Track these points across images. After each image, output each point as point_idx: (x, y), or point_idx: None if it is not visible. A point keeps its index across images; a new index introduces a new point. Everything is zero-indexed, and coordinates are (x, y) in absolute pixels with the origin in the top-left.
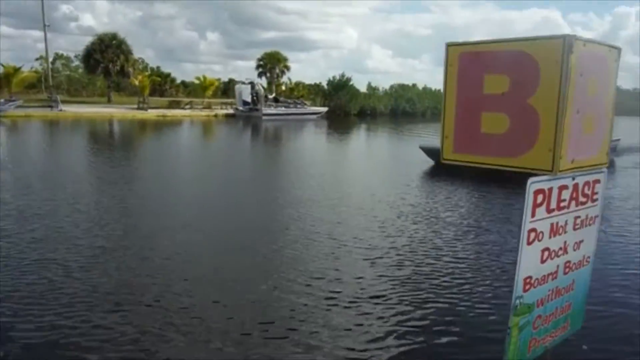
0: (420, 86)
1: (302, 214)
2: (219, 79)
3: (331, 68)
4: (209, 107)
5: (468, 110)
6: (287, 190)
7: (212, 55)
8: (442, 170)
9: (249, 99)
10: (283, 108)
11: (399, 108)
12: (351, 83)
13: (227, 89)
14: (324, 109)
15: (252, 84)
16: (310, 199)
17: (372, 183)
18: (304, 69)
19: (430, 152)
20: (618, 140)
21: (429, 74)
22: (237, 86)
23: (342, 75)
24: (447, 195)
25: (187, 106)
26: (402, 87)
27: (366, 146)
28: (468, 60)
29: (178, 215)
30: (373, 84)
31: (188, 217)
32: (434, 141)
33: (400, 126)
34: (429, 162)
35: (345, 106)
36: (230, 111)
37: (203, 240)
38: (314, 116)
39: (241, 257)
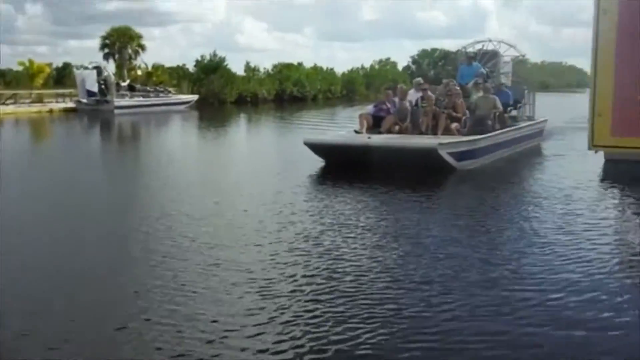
0: (306, 65)
1: (160, 235)
2: (49, 64)
3: (194, 46)
4: (40, 100)
5: (635, 77)
6: (146, 204)
7: (34, 33)
8: (338, 173)
9: (95, 88)
10: (141, 98)
11: (286, 93)
12: (225, 64)
13: (61, 76)
14: (193, 97)
15: (98, 69)
16: (172, 215)
17: (250, 191)
18: (160, 49)
19: (318, 148)
20: (545, 121)
21: (313, 51)
22: (78, 72)
23: (213, 55)
24: (342, 209)
25: (10, 101)
26: (287, 67)
27: (246, 143)
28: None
29: None
30: (252, 64)
31: None
32: (328, 132)
33: (287, 115)
34: (320, 161)
35: (219, 93)
36: (71, 104)
37: None
38: (182, 106)
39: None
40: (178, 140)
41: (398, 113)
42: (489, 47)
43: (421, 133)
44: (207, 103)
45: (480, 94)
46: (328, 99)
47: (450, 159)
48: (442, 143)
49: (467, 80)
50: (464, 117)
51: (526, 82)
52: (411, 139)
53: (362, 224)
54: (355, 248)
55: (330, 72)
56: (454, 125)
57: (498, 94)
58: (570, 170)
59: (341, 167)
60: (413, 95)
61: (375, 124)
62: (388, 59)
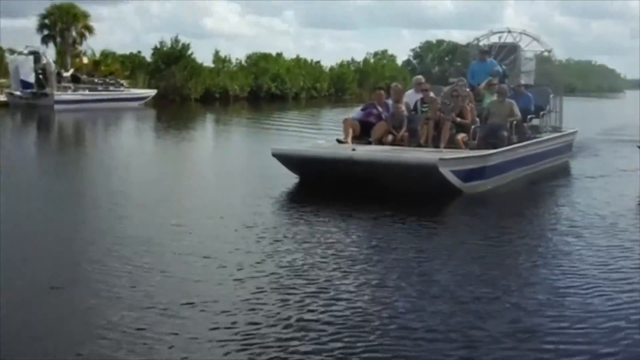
0: (287, 56)
1: (107, 268)
2: None
3: (152, 30)
4: None
5: None
6: (89, 229)
7: None
8: (314, 192)
9: (31, 79)
10: (87, 91)
11: (262, 89)
12: (189, 53)
13: None
14: (150, 92)
15: (35, 55)
16: (122, 242)
17: (208, 212)
18: (111, 32)
19: (290, 160)
20: (575, 132)
21: (295, 39)
22: (10, 58)
23: (175, 41)
24: (323, 237)
25: None
26: (264, 58)
27: (211, 151)
28: None
29: None
30: (222, 54)
31: None
32: (304, 141)
33: (263, 116)
34: (294, 177)
35: (182, 87)
36: (2, 97)
37: None
38: (136, 103)
39: None
40: (130, 145)
41: (392, 119)
42: (508, 39)
43: (419, 145)
44: (167, 99)
45: (495, 97)
46: (313, 98)
47: (454, 179)
48: (445, 159)
49: (480, 80)
50: (473, 126)
51: (552, 83)
52: (406, 152)
53: (355, 256)
54: (352, 288)
55: (316, 65)
56: (461, 136)
57: (516, 98)
58: (610, 193)
59: (319, 185)
60: (412, 96)
61: (364, 132)
62: (385, 51)
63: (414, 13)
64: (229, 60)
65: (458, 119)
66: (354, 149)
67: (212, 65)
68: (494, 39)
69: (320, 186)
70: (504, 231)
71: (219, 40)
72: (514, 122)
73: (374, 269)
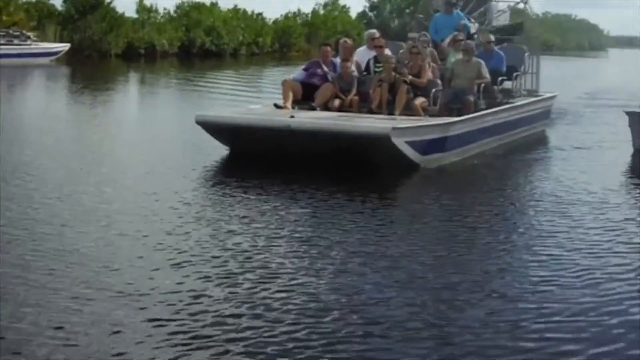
0: (223, 6)
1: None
2: None
3: None
4: None
5: None
6: None
7: None
8: (246, 166)
9: None
10: None
11: (194, 44)
12: (109, 1)
13: None
14: (63, 47)
15: None
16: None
17: (131, 191)
18: None
19: (216, 129)
20: (553, 97)
21: None
22: None
23: None
24: (258, 216)
25: None
26: (197, 8)
27: (133, 116)
28: None
29: None
30: (147, 2)
31: None
32: (235, 106)
33: (195, 75)
34: (223, 148)
35: (100, 41)
36: None
37: None
38: (46, 59)
39: None
40: (37, 110)
41: (339, 80)
42: None
43: (371, 111)
44: (82, 55)
45: (460, 56)
46: (254, 54)
47: (410, 151)
48: (399, 128)
49: (444, 36)
50: (434, 90)
51: (527, 40)
52: (354, 120)
53: (307, 239)
54: (309, 275)
55: (258, 17)
56: (420, 101)
57: (486, 56)
58: (594, 166)
59: (252, 158)
60: (363, 54)
61: (307, 95)
62: (336, 1)
63: None
64: (156, 10)
65: (416, 81)
66: (292, 116)
67: (135, 15)
68: None
69: (254, 159)
70: (473, 209)
71: None
72: (482, 85)
73: (330, 253)
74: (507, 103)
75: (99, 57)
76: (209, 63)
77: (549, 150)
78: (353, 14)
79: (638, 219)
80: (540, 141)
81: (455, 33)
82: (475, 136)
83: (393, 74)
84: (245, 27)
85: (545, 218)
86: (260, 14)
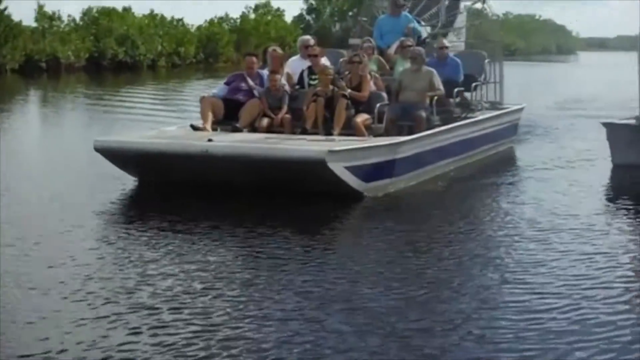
0: (138, 11)
1: None
2: None
3: None
4: None
5: None
6: None
7: None
8: (158, 199)
9: None
10: None
11: (105, 56)
12: (3, 8)
13: None
14: None
15: None
16: None
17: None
18: None
19: (120, 156)
20: (521, 109)
21: None
22: None
23: None
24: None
25: None
26: (107, 14)
27: (31, 141)
28: None
29: None
30: (48, 8)
31: None
32: (153, 127)
33: (107, 92)
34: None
35: None
36: None
37: None
38: None
39: None
40: None
41: (267, 96)
42: None
43: (305, 131)
44: None
45: (408, 64)
46: (175, 66)
47: (350, 178)
48: (336, 151)
49: (391, 41)
50: (378, 104)
51: (488, 45)
52: (284, 142)
53: (241, 281)
54: (250, 322)
55: (178, 24)
56: (362, 118)
57: (439, 65)
58: (573, 186)
59: (165, 189)
60: (296, 64)
61: (230, 114)
62: (269, 3)
63: None
64: (58, 18)
65: (357, 95)
66: (210, 139)
67: (34, 24)
68: None
69: (169, 191)
70: (428, 244)
71: None
72: (435, 98)
73: (273, 296)
74: (466, 118)
75: None
76: (123, 77)
77: (518, 171)
78: (289, 17)
79: (629, 246)
80: (507, 160)
81: (403, 38)
82: (429, 158)
83: (330, 87)
84: (164, 35)
85: (519, 251)
86: (181, 19)
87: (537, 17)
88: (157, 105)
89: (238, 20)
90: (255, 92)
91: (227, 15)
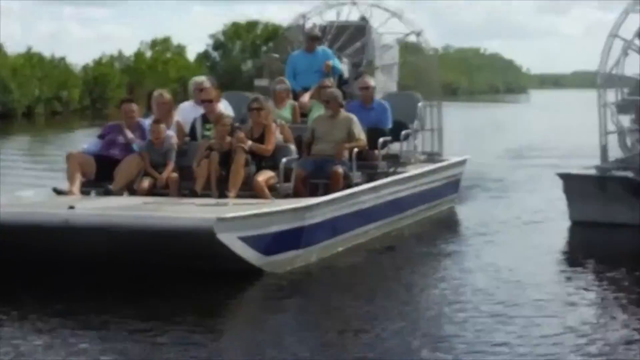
0: (11, 50)
1: None
2: None
3: None
4: None
5: None
6: None
7: None
8: (11, 276)
9: None
10: None
11: (1, 101)
12: None
13: None
14: None
15: None
16: None
17: None
18: None
19: None
20: (463, 161)
21: (22, 21)
22: None
23: None
24: None
25: None
26: None
27: None
28: None
29: None
30: None
31: None
32: (10, 190)
33: None
34: None
35: None
36: None
37: None
38: None
39: None
40: None
41: (150, 150)
42: (352, 16)
43: (194, 194)
44: None
45: (322, 111)
46: (56, 113)
47: (246, 251)
48: (226, 218)
49: (307, 83)
50: (284, 159)
51: (423, 85)
52: (165, 208)
53: None
54: None
55: (60, 63)
56: (265, 176)
57: (362, 109)
58: (526, 252)
59: (19, 267)
60: (188, 111)
61: (105, 174)
62: (168, 39)
63: None
64: None
65: (259, 148)
66: (72, 207)
67: None
68: (330, 15)
69: (23, 269)
70: (357, 328)
71: None
72: (355, 150)
73: None
74: (394, 173)
75: None
76: None
77: (461, 235)
78: (192, 55)
79: (601, 320)
80: (448, 223)
81: (323, 79)
82: (348, 223)
83: (228, 139)
84: (43, 77)
85: (473, 330)
86: (63, 58)
87: (481, 51)
88: (26, 162)
89: (131, 58)
90: (135, 146)
91: (119, 53)
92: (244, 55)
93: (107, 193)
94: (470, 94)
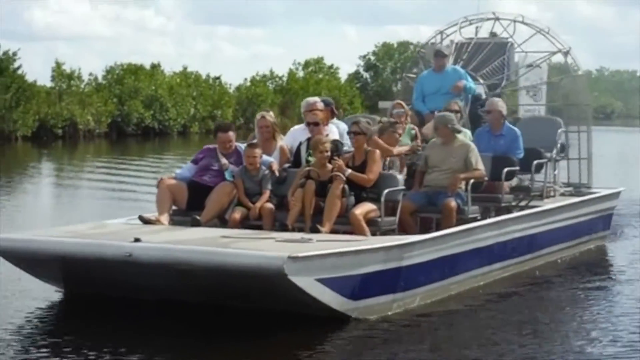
0: (168, 68)
1: None
2: None
3: None
4: None
5: None
6: None
7: None
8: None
9: None
10: None
11: (130, 120)
12: (17, 66)
13: None
14: None
15: None
16: None
17: None
18: None
19: (22, 259)
20: (616, 194)
21: (178, 42)
22: None
23: None
24: None
25: None
26: (133, 71)
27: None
28: None
29: None
30: (66, 66)
31: None
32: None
33: (129, 164)
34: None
35: (2, 119)
36: None
37: None
38: None
39: None
40: None
41: (244, 177)
42: (491, 31)
43: (285, 227)
44: None
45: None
46: (210, 132)
47: (324, 293)
48: (298, 257)
49: (436, 105)
50: (385, 191)
51: (574, 109)
52: (239, 243)
53: None
54: None
55: (215, 82)
56: (364, 209)
57: (490, 137)
58: None
59: (90, 302)
60: (297, 135)
61: (197, 202)
62: (321, 59)
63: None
64: (78, 77)
65: (358, 177)
66: (137, 239)
67: (50, 84)
68: (468, 32)
69: (91, 305)
70: None
71: (58, 44)
72: (471, 182)
73: None
74: (526, 207)
75: (0, 142)
76: (150, 145)
77: (603, 278)
78: (343, 75)
79: None
80: (591, 264)
81: (449, 102)
82: (461, 263)
83: (328, 166)
84: (198, 96)
85: None
86: (218, 78)
87: (639, 73)
88: None
89: (284, 78)
90: (227, 173)
91: (272, 72)
92: (394, 76)
93: (195, 224)
94: (625, 119)
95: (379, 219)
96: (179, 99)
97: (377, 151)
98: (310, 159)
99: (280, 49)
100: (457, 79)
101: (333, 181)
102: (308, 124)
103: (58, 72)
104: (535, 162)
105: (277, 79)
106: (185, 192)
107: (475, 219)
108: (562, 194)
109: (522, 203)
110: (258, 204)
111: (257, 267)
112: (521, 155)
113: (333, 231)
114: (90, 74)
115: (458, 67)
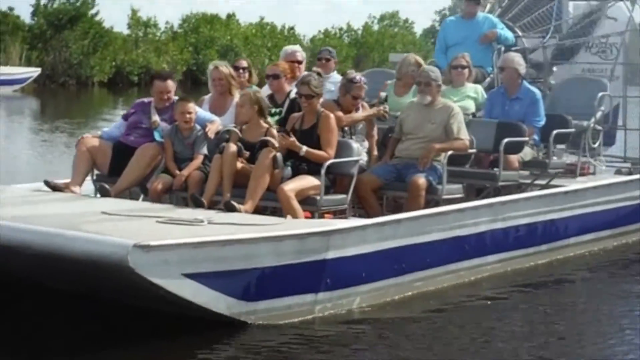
0: (243, 19)
1: None
2: None
3: None
4: None
5: None
6: None
7: None
8: None
9: None
10: None
11: (204, 69)
12: (94, 12)
13: None
14: (31, 72)
15: None
16: None
17: None
18: None
19: None
20: None
21: None
22: None
23: None
24: None
25: None
26: (208, 21)
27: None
28: None
29: None
30: (143, 14)
31: None
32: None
33: None
34: None
35: (79, 65)
36: None
37: None
38: (8, 88)
39: None
40: None
41: (174, 137)
42: None
43: (197, 202)
44: (56, 83)
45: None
46: None
47: (199, 292)
48: (148, 245)
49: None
50: (327, 163)
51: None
52: (99, 224)
53: None
54: None
55: (290, 34)
56: (297, 184)
57: (502, 99)
58: None
59: None
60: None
61: (122, 166)
62: (396, 13)
63: None
64: (154, 25)
65: (315, 154)
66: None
67: (127, 31)
68: None
69: None
70: None
71: None
72: (448, 153)
73: None
74: (546, 187)
75: (77, 86)
76: None
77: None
78: (418, 29)
79: None
80: (626, 258)
81: (463, 54)
82: (430, 256)
83: (263, 125)
84: (272, 47)
85: None
86: (292, 28)
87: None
88: None
89: (360, 32)
90: (156, 133)
91: (348, 25)
92: None
93: (104, 194)
94: None
95: (325, 198)
96: (254, 49)
97: (332, 115)
98: (270, 118)
99: (356, 2)
100: (489, 27)
101: (262, 148)
102: (267, 77)
103: (134, 20)
104: (554, 132)
105: (352, 32)
106: (108, 154)
107: (452, 201)
108: (602, 173)
109: (542, 181)
110: (185, 172)
111: (97, 257)
112: (541, 123)
113: (259, 210)
114: (167, 23)
115: (492, 16)
